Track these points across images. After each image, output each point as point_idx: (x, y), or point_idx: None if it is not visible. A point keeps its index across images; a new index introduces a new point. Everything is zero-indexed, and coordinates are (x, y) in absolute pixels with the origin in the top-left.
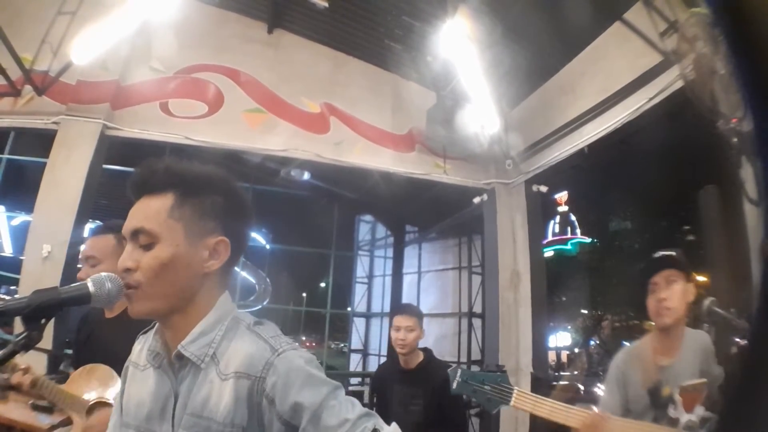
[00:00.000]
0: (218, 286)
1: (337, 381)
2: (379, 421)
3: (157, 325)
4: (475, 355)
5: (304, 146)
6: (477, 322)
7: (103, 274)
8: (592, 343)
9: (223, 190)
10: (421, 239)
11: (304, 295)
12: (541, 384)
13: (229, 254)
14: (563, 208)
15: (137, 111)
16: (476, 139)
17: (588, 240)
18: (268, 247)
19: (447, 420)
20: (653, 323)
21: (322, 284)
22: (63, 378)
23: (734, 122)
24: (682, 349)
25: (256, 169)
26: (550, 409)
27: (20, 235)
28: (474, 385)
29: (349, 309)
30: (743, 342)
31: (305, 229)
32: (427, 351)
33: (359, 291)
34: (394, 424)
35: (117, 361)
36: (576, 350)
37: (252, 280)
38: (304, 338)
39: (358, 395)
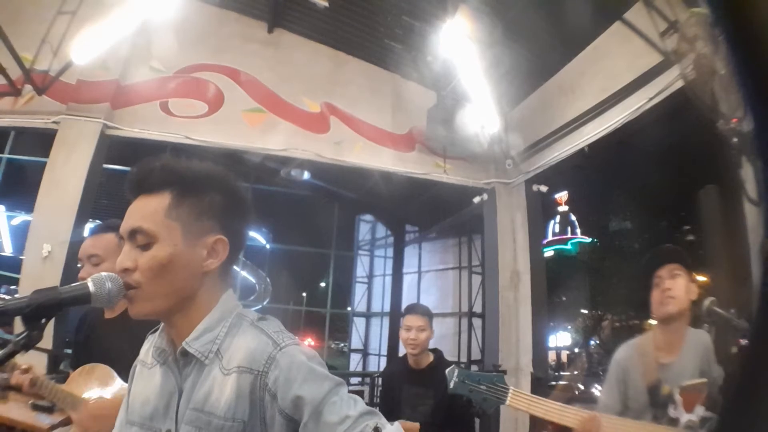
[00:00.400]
0: (219, 285)
1: (335, 376)
2: (382, 420)
3: (162, 323)
4: (476, 354)
5: (304, 146)
6: (477, 322)
7: (104, 273)
8: (592, 343)
9: (221, 188)
10: (421, 239)
11: (304, 294)
12: (541, 384)
13: (227, 253)
14: (563, 208)
15: (137, 110)
16: (476, 139)
17: (588, 240)
18: (268, 246)
19: (456, 421)
20: (656, 316)
21: (322, 284)
22: (63, 378)
23: (734, 122)
24: (683, 348)
25: (256, 169)
26: (546, 408)
27: (20, 235)
28: (470, 385)
29: (349, 309)
30: (743, 342)
31: (305, 229)
32: (437, 352)
33: (359, 291)
34: (396, 424)
35: (117, 362)
36: (576, 350)
37: (252, 279)
38: (305, 338)
39: (358, 395)
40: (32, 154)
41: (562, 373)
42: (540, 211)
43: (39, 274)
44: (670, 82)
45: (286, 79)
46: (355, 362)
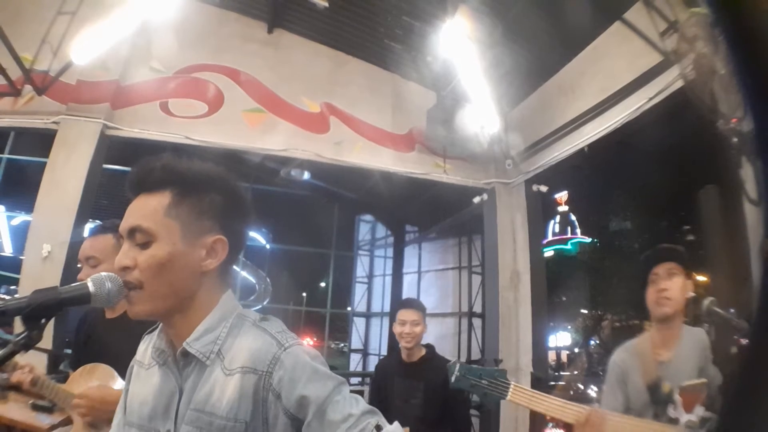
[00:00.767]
0: (219, 285)
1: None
2: (382, 419)
3: (161, 323)
4: (475, 354)
5: (304, 146)
6: (477, 322)
7: (103, 273)
8: (592, 343)
9: (221, 188)
10: (421, 239)
11: (304, 294)
12: (541, 384)
13: (227, 253)
14: (563, 208)
15: (137, 111)
16: (476, 139)
17: (588, 240)
18: (268, 247)
19: (450, 415)
20: (652, 314)
21: (322, 284)
22: (63, 378)
23: (734, 122)
24: (680, 345)
25: (256, 169)
26: (547, 404)
27: (20, 235)
28: (472, 380)
29: (349, 309)
30: (743, 341)
31: (305, 229)
32: (429, 346)
33: (359, 291)
34: (396, 423)
35: (117, 362)
36: (576, 350)
37: (252, 280)
38: (305, 338)
39: (358, 395)
40: (32, 154)
41: (562, 373)
42: (540, 211)
43: (39, 274)
44: (670, 82)
45: (286, 79)
46: (355, 362)
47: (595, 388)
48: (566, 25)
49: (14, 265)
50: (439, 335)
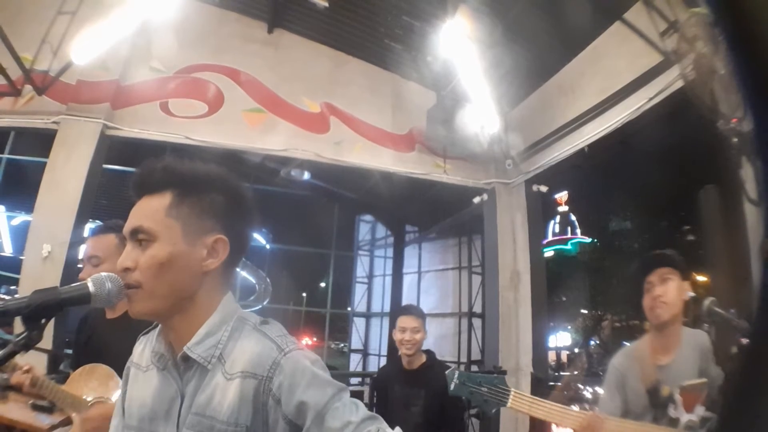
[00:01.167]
0: (219, 287)
1: (337, 381)
2: (383, 425)
3: (159, 325)
4: (475, 355)
5: (304, 146)
6: (477, 322)
7: (104, 273)
8: (592, 343)
9: (223, 188)
10: (421, 239)
11: (304, 295)
12: (542, 384)
13: (227, 253)
14: (563, 208)
15: (137, 111)
16: (476, 139)
17: (588, 240)
18: (268, 247)
19: (447, 422)
20: (650, 321)
21: (322, 284)
22: (63, 378)
23: (734, 122)
24: (680, 348)
25: (256, 169)
26: (547, 410)
27: (20, 235)
28: (471, 387)
29: (349, 309)
30: (743, 341)
31: (305, 229)
32: (429, 353)
33: (359, 291)
34: (398, 429)
35: (118, 362)
36: (576, 350)
37: (252, 280)
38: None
39: (358, 395)
40: (32, 154)
41: (562, 374)
42: (540, 211)
43: (39, 274)
44: (670, 82)
45: (286, 79)
46: (355, 362)
47: (590, 390)
48: (566, 25)
49: (14, 265)
50: (439, 335)
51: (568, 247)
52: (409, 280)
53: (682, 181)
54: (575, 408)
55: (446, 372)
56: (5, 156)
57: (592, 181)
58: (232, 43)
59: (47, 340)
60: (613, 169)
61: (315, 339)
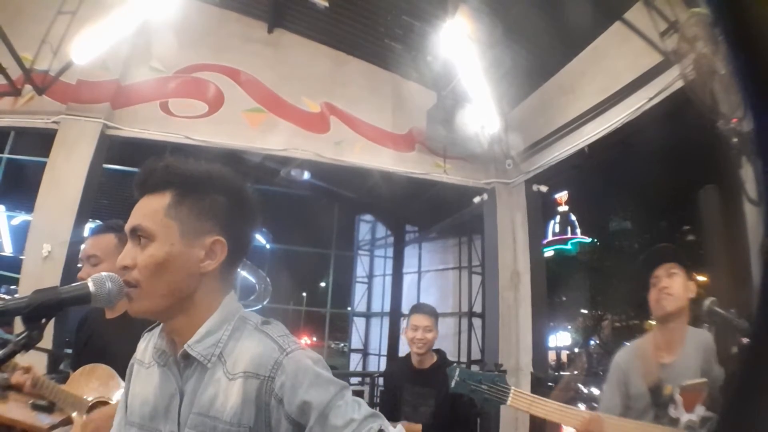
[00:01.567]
0: (220, 287)
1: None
2: (385, 422)
3: (162, 324)
4: (475, 354)
5: (304, 146)
6: (477, 322)
7: (104, 273)
8: (592, 343)
9: (224, 189)
10: (421, 239)
11: (304, 294)
12: (541, 384)
13: (225, 255)
14: (563, 208)
15: (137, 110)
16: (476, 139)
17: (588, 240)
18: (268, 247)
19: (459, 422)
20: (654, 315)
21: (322, 284)
22: (63, 378)
23: (734, 122)
24: (684, 347)
25: (256, 169)
26: (547, 408)
27: (20, 235)
28: (471, 385)
29: (349, 309)
30: (744, 341)
31: (305, 229)
32: (440, 352)
33: (359, 291)
34: (399, 426)
35: (118, 362)
36: (576, 350)
37: (252, 279)
38: (304, 337)
39: (358, 395)
40: (32, 154)
41: (562, 374)
42: (540, 211)
43: (39, 274)
44: (670, 82)
45: (286, 79)
46: (355, 362)
47: (584, 389)
48: (566, 25)
49: (14, 265)
50: (440, 335)
51: (568, 247)
52: (409, 280)
53: (682, 181)
54: (577, 407)
55: (447, 369)
56: (5, 156)
57: (592, 181)
58: (232, 43)
59: (47, 340)
60: (613, 169)
61: (315, 339)
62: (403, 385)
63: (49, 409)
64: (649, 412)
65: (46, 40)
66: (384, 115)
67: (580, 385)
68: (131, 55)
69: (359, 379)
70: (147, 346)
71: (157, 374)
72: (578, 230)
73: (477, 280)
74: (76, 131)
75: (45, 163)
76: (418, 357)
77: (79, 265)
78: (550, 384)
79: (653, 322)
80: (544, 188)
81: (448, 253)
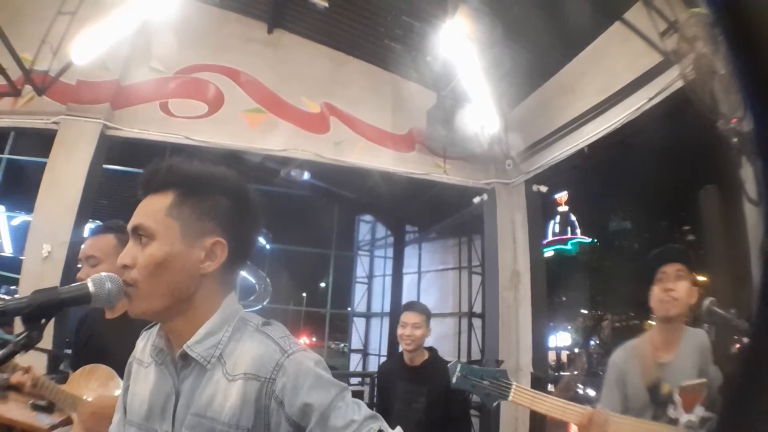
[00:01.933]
0: (220, 288)
1: (339, 381)
2: (384, 424)
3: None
4: (475, 354)
5: (304, 146)
6: (477, 322)
7: (103, 273)
8: (592, 343)
9: (226, 191)
10: (421, 239)
11: (304, 295)
12: (541, 384)
13: (226, 256)
14: (563, 208)
15: (137, 111)
16: (476, 139)
17: (588, 240)
18: (268, 247)
19: (451, 419)
20: (656, 314)
21: (322, 284)
22: (63, 378)
23: (734, 122)
24: (681, 347)
25: (255, 169)
26: (549, 404)
27: (20, 235)
28: (473, 380)
29: (349, 309)
30: (743, 341)
31: (305, 229)
32: (432, 350)
33: (359, 291)
34: (398, 429)
35: (118, 363)
36: (576, 350)
37: (252, 280)
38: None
39: (358, 395)
40: (32, 154)
41: (562, 373)
42: (540, 211)
43: (39, 274)
44: (670, 82)
45: (286, 79)
46: (355, 362)
47: (581, 388)
48: (566, 25)
49: (14, 265)
50: (439, 335)
51: (568, 247)
52: (409, 280)
53: (682, 181)
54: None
55: (448, 365)
56: (5, 156)
57: (592, 181)
58: (232, 43)
59: (47, 340)
60: (613, 169)
61: (315, 339)
62: (395, 383)
63: (49, 409)
64: (648, 411)
65: (46, 41)
66: (384, 116)
67: (579, 385)
68: (131, 55)
69: (359, 379)
70: (146, 344)
71: (154, 373)
72: (578, 230)
73: (477, 280)
74: (76, 131)
75: (45, 164)
76: (408, 354)
77: (78, 266)
78: (550, 384)
79: (653, 323)
80: (544, 188)
81: (448, 254)
